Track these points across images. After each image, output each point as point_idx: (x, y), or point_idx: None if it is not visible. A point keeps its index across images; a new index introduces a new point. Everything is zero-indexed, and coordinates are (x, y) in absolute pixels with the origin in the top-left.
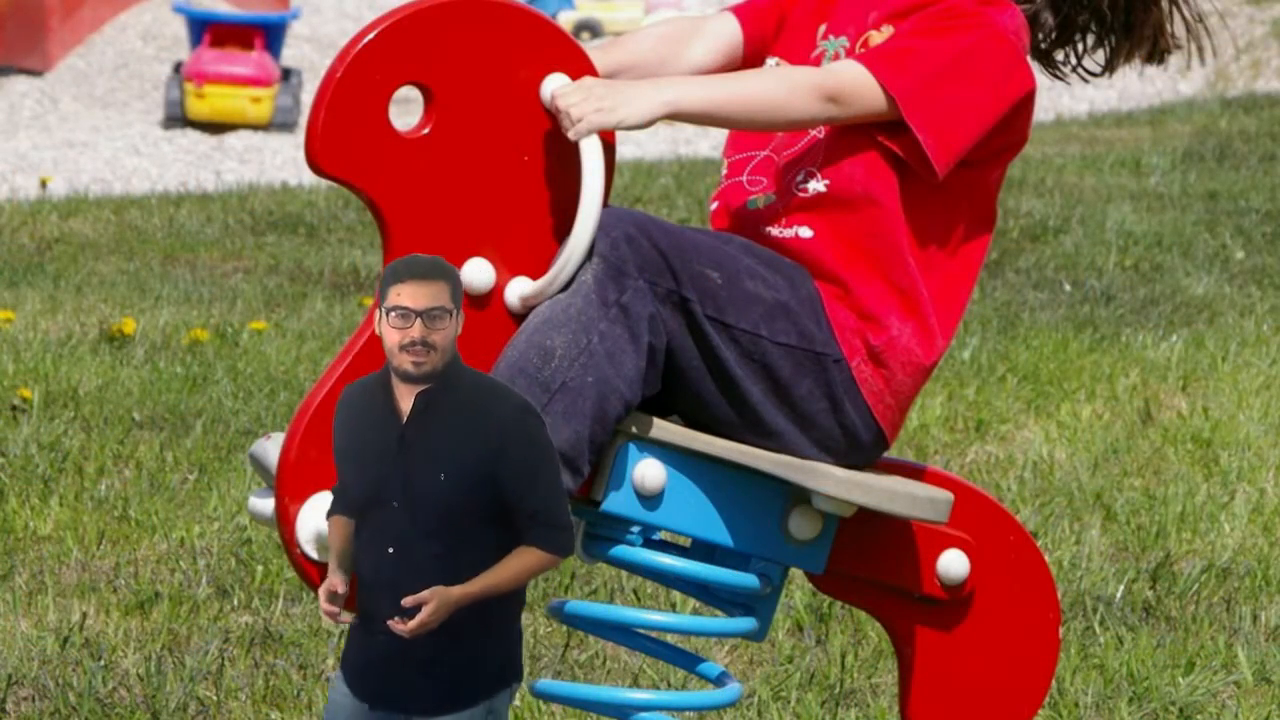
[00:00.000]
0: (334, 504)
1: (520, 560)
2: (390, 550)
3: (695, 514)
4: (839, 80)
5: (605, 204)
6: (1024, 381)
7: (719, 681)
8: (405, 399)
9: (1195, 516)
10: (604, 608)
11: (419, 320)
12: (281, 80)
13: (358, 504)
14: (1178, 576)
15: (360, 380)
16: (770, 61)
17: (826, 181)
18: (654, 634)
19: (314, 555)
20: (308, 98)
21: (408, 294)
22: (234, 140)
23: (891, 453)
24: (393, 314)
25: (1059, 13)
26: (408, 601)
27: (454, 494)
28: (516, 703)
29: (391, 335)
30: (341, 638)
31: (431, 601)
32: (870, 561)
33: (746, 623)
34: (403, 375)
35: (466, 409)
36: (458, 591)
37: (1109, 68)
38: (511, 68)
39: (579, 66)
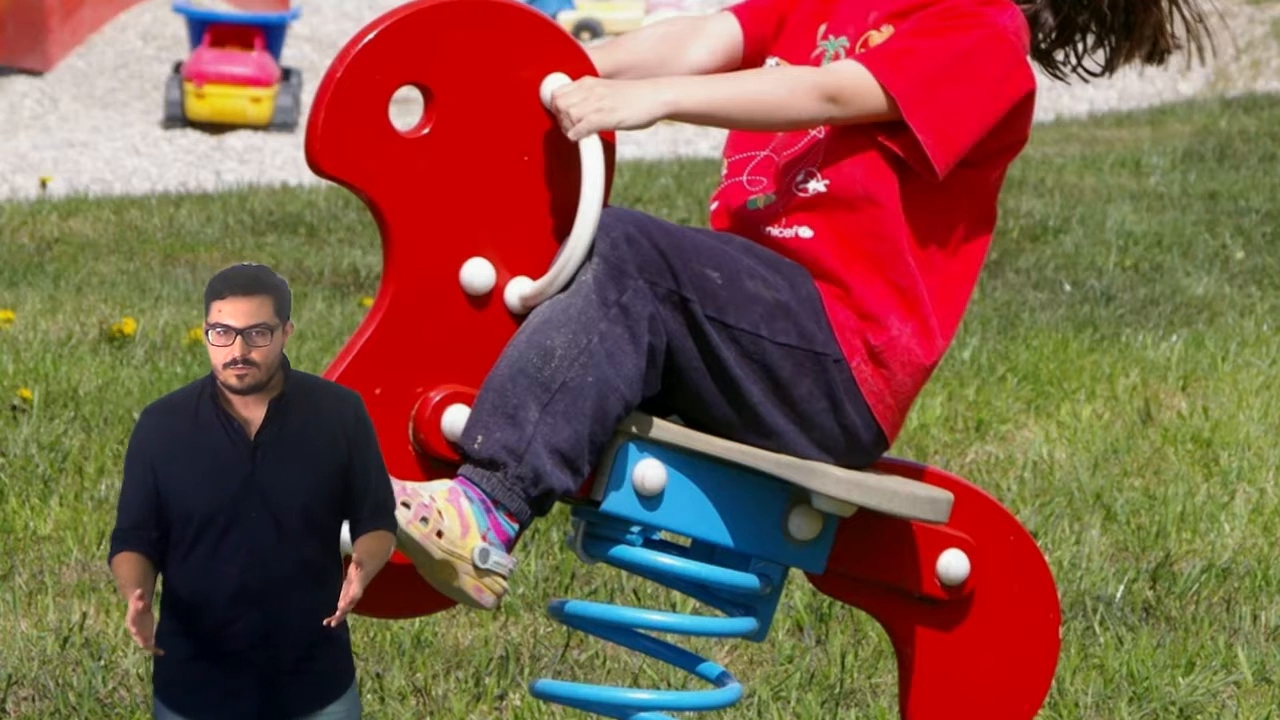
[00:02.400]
0: (119, 541)
1: (381, 543)
2: (250, 562)
3: (695, 514)
4: (839, 80)
5: (605, 204)
6: (1024, 381)
7: (719, 681)
8: (247, 408)
9: (1195, 516)
10: (604, 608)
11: (239, 339)
12: (281, 80)
13: (205, 521)
14: (1178, 576)
15: (167, 400)
16: (770, 61)
17: (826, 181)
18: (654, 634)
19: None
20: (308, 98)
21: (228, 311)
22: (234, 140)
23: (891, 453)
24: (213, 331)
25: (1059, 13)
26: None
27: (314, 494)
28: (517, 702)
29: (215, 353)
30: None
31: (355, 579)
32: (870, 561)
33: (746, 623)
34: (230, 389)
35: (311, 409)
36: (369, 568)
37: (1109, 68)
38: (511, 68)
39: (579, 66)
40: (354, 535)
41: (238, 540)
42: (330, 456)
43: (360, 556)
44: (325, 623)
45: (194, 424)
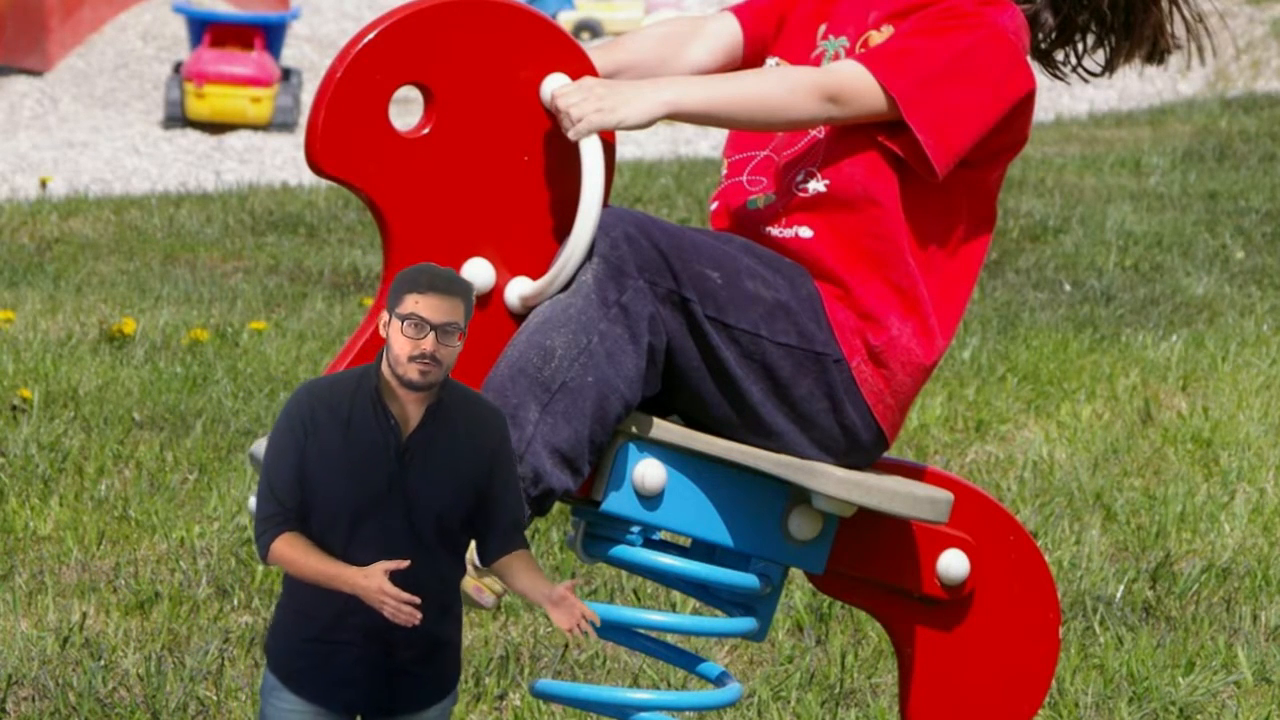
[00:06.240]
0: (276, 524)
1: (530, 561)
2: (379, 557)
3: (695, 514)
4: (839, 80)
5: (605, 204)
6: (1024, 381)
7: (719, 681)
8: (407, 407)
9: (1195, 516)
10: (604, 608)
11: (433, 334)
12: (281, 80)
13: (344, 514)
14: (1178, 576)
15: (328, 381)
16: (770, 61)
17: (826, 181)
18: (654, 634)
19: None
20: (308, 98)
21: (426, 305)
22: (234, 140)
23: (891, 453)
24: (407, 322)
25: (1059, 13)
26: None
27: (451, 504)
28: (517, 702)
29: (402, 344)
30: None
31: (569, 596)
32: (870, 561)
33: (746, 623)
34: (407, 384)
35: (462, 420)
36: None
37: (1109, 68)
38: (511, 68)
39: (579, 66)
40: (489, 551)
41: (372, 536)
42: (473, 469)
43: (528, 572)
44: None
45: (349, 413)
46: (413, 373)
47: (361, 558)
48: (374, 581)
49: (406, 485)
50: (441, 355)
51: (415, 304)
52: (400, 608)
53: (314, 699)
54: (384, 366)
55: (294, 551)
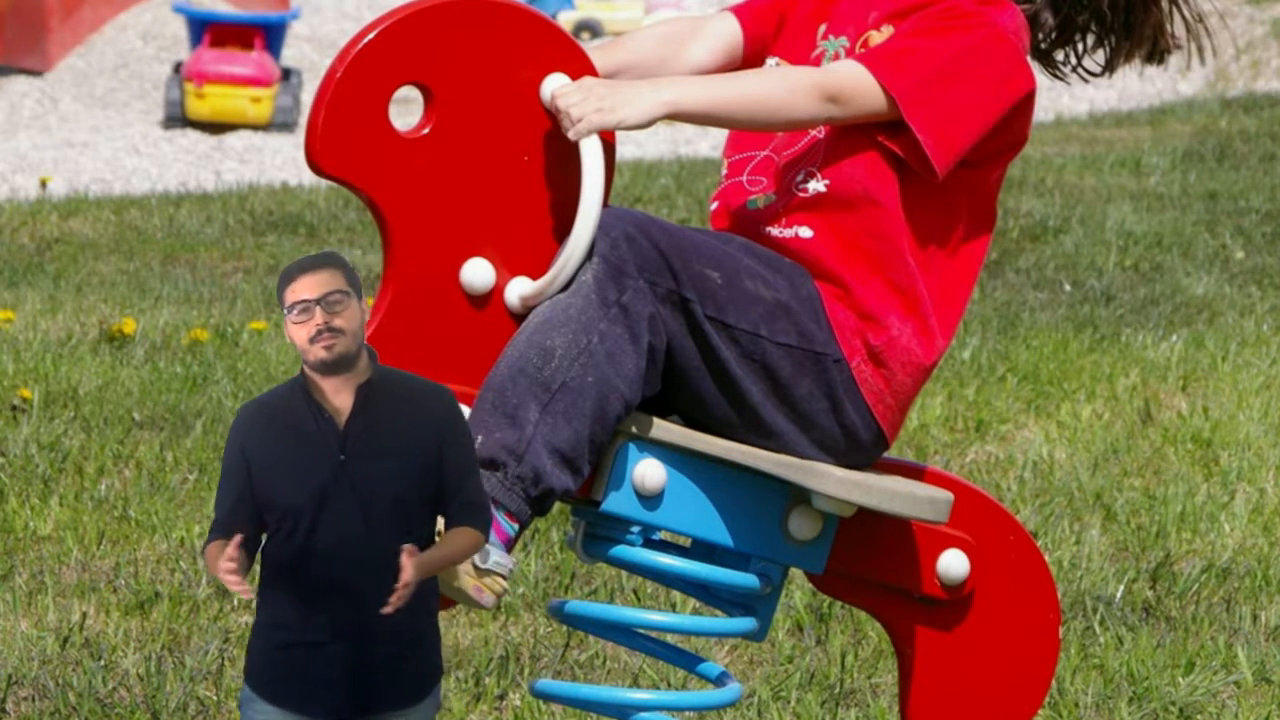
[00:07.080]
0: (210, 538)
1: (464, 539)
2: (339, 553)
3: (695, 514)
4: (839, 80)
5: (605, 204)
6: (1024, 381)
7: (719, 681)
8: (336, 396)
9: (1195, 516)
10: (604, 608)
11: (318, 308)
12: (281, 80)
13: (303, 513)
14: (1178, 576)
15: (265, 397)
16: (770, 61)
17: (827, 181)
18: (654, 634)
19: None
20: (308, 98)
21: (302, 287)
22: (234, 140)
23: (891, 453)
24: (293, 311)
25: (1059, 13)
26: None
27: (404, 486)
28: (517, 702)
29: (298, 332)
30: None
31: (409, 566)
32: (870, 561)
33: (746, 623)
34: (319, 365)
35: (403, 401)
36: (425, 558)
37: (1109, 68)
38: (511, 68)
39: (579, 66)
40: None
41: (327, 530)
42: (421, 449)
43: (438, 543)
44: (382, 611)
45: (286, 417)
46: (319, 351)
47: (319, 551)
48: (213, 558)
49: (353, 474)
50: (338, 324)
51: (293, 293)
52: (226, 577)
53: (290, 707)
54: (305, 367)
55: (209, 557)
